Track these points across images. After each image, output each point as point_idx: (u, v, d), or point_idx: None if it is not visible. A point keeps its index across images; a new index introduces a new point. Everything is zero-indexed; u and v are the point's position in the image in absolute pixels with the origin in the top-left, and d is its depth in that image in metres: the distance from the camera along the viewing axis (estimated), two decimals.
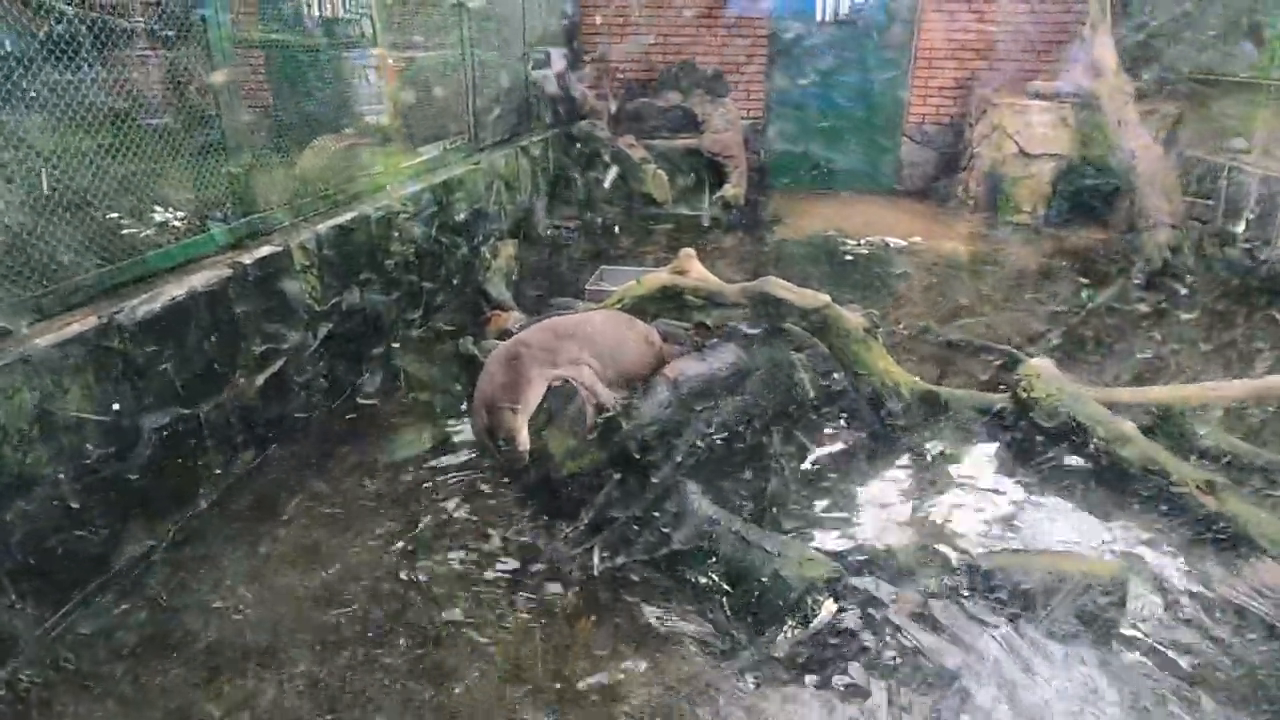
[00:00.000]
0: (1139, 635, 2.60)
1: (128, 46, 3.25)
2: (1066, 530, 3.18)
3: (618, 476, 3.13)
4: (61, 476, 2.56)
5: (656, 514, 2.97)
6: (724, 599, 2.71)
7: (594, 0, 9.38)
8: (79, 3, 3.03)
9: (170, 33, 3.45)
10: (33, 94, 2.74)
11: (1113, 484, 3.36)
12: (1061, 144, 7.72)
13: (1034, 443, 3.63)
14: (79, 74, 2.95)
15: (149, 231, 3.26)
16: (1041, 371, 3.78)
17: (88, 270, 2.84)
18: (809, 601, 2.59)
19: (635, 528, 2.98)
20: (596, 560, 2.91)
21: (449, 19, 5.90)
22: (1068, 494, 3.39)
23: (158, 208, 3.37)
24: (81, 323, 2.67)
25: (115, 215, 3.09)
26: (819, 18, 9.03)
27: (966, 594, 2.71)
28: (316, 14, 5.07)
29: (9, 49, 2.91)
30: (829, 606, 2.60)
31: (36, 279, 2.65)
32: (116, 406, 2.77)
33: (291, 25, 4.61)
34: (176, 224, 3.42)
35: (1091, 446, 3.47)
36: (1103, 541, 3.10)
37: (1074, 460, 3.52)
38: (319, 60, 4.56)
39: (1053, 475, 3.49)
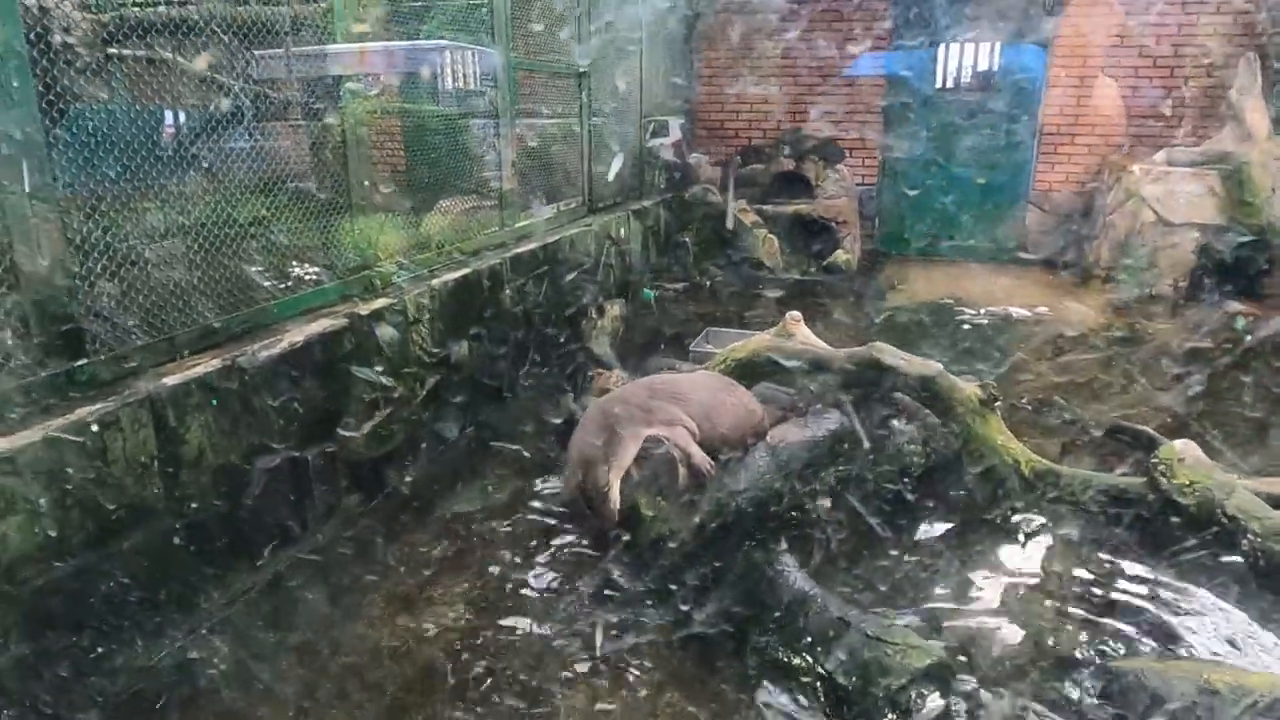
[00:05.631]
0: None
1: (278, 118, 3.57)
2: (1213, 636, 2.82)
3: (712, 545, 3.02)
4: (175, 511, 2.68)
5: (750, 587, 2.84)
6: (818, 683, 2.53)
7: (709, 67, 9.58)
8: (244, 79, 3.36)
9: (319, 105, 3.75)
10: (199, 158, 3.07)
11: (1271, 586, 2.98)
12: (1207, 212, 7.20)
13: (1174, 534, 3.28)
14: (237, 142, 3.27)
15: (279, 282, 3.47)
16: (1185, 455, 3.43)
17: (217, 316, 3.03)
18: (911, 693, 2.38)
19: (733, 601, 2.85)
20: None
21: (570, 89, 6.13)
22: (1215, 595, 3.02)
23: (291, 261, 3.61)
24: (206, 364, 2.83)
25: (249, 266, 3.31)
26: (939, 84, 8.88)
27: (1095, 701, 2.42)
28: (451, 86, 5.41)
29: (186, 122, 3.27)
30: (934, 701, 2.38)
31: (169, 322, 2.84)
32: (231, 446, 2.90)
33: (427, 97, 4.93)
34: (305, 276, 3.64)
35: (1244, 543, 3.10)
36: (1259, 652, 2.73)
37: (1223, 556, 3.15)
38: (449, 128, 4.83)
39: (1196, 572, 3.12)
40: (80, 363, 2.51)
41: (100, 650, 2.46)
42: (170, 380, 2.69)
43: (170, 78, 3.31)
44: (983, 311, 7.05)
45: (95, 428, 2.41)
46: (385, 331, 3.72)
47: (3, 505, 2.18)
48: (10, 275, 2.33)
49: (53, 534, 2.31)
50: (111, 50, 3.47)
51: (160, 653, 2.64)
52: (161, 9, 3.67)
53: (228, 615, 2.87)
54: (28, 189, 2.32)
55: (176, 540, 2.70)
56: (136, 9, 3.83)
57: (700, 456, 3.14)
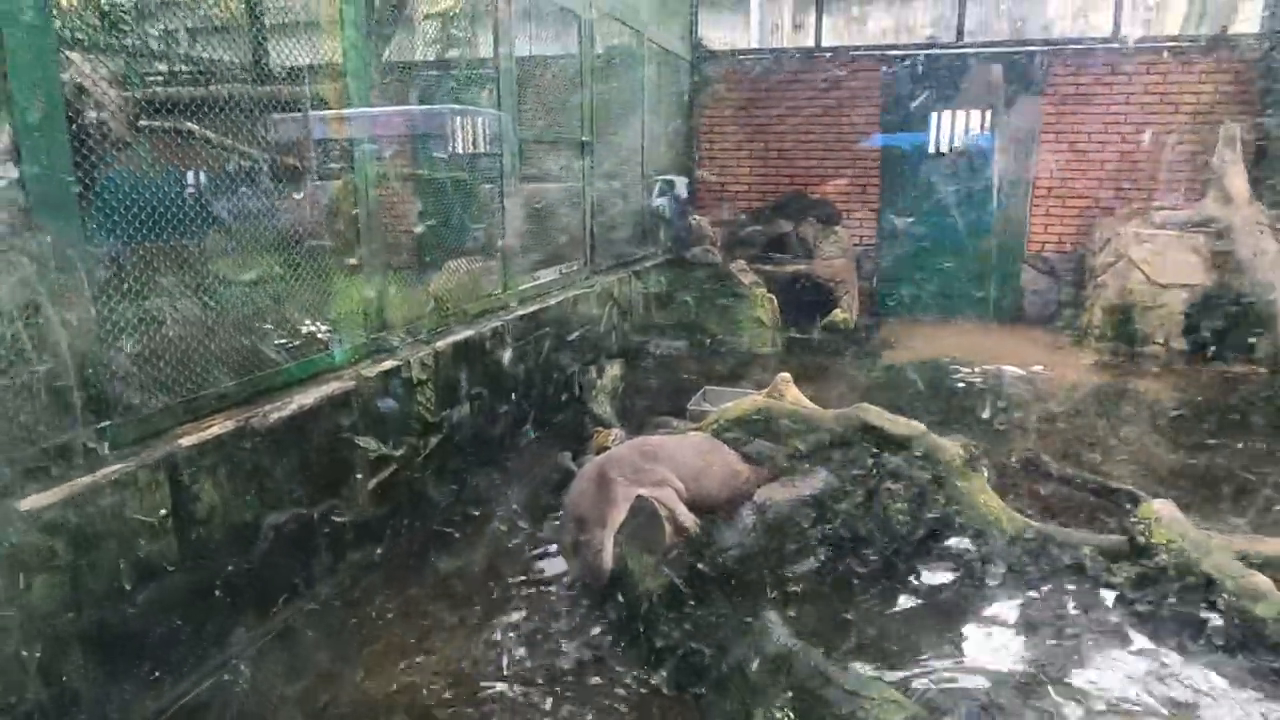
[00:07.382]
0: None
1: (289, 182, 3.77)
2: (1189, 695, 2.89)
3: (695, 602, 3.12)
4: (187, 567, 2.82)
5: (733, 642, 2.93)
6: None
7: (710, 132, 9.92)
8: (258, 144, 3.57)
9: (334, 165, 3.97)
10: (219, 227, 3.27)
11: (1246, 645, 3.05)
12: (1194, 274, 7.38)
13: (1152, 593, 3.36)
14: (244, 203, 3.46)
15: (290, 341, 3.64)
16: (1162, 514, 3.53)
17: (230, 381, 3.20)
18: None
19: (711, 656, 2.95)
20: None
21: (575, 154, 6.41)
22: (1191, 653, 3.09)
23: (303, 324, 3.78)
24: (221, 425, 3.00)
25: (263, 331, 3.49)
26: (932, 149, 9.17)
27: None
28: (459, 151, 5.67)
29: (201, 182, 3.47)
30: None
31: (188, 387, 3.02)
32: (241, 504, 3.05)
33: (440, 162, 5.17)
34: (316, 337, 3.81)
35: (1220, 601, 3.19)
36: (1231, 711, 2.80)
37: (1200, 615, 3.22)
38: (460, 191, 5.06)
39: (1173, 630, 3.20)
40: (104, 424, 2.68)
41: (120, 697, 2.58)
42: (186, 441, 2.85)
43: (197, 149, 3.52)
44: (977, 370, 7.19)
45: (116, 487, 2.56)
46: (388, 397, 3.87)
47: (31, 562, 2.33)
48: (39, 340, 2.50)
49: (76, 589, 2.44)
50: (142, 123, 3.70)
51: (166, 705, 2.75)
52: (187, 89, 3.92)
53: (235, 666, 2.98)
54: (57, 258, 2.51)
55: (187, 594, 2.82)
56: (164, 86, 4.09)
57: (686, 515, 3.26)
